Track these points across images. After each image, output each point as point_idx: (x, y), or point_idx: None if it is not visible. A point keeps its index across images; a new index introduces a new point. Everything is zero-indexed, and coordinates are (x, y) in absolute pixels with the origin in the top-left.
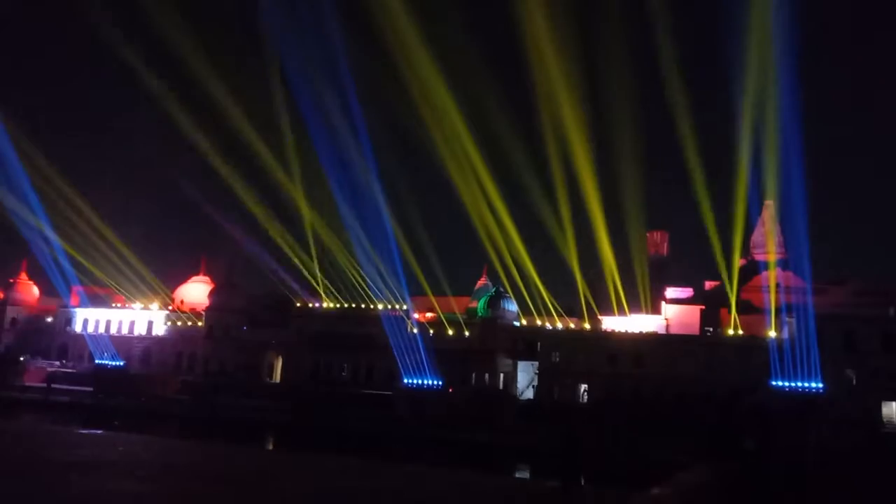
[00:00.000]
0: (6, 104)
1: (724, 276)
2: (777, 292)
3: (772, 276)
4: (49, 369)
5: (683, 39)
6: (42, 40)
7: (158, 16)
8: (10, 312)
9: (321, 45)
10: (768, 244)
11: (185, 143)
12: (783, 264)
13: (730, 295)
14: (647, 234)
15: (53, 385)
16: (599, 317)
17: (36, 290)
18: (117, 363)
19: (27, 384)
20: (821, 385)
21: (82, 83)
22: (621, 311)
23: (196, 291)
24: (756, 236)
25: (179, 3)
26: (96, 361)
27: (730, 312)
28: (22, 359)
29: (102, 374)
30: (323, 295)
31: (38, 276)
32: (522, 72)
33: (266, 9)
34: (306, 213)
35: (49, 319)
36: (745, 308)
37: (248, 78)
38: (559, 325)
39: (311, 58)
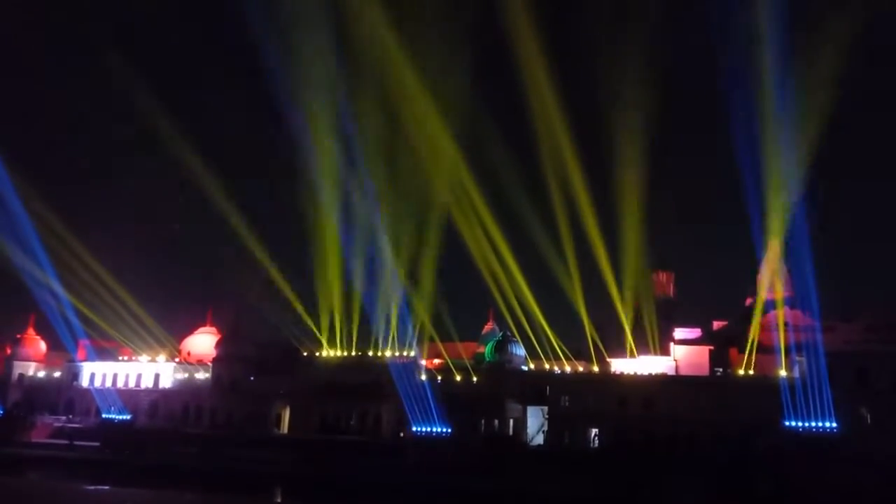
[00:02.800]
0: (14, 158)
1: (732, 315)
2: (786, 331)
3: (780, 314)
4: (56, 425)
5: (684, 80)
6: (49, 91)
7: (162, 63)
8: (18, 368)
9: (328, 97)
10: (775, 283)
11: (191, 194)
12: (791, 303)
13: (740, 334)
14: (653, 275)
15: (58, 441)
16: (608, 359)
17: (43, 345)
18: (124, 417)
19: (35, 440)
20: (835, 424)
21: (88, 138)
22: (630, 353)
23: (203, 342)
24: (762, 275)
25: (180, 48)
26: (103, 416)
27: (739, 352)
28: (18, 412)
29: (109, 429)
30: (330, 343)
31: (45, 330)
32: (524, 114)
33: (272, 62)
34: (312, 260)
35: (56, 374)
36: (755, 347)
37: (253, 127)
38: (568, 369)
39: (316, 105)
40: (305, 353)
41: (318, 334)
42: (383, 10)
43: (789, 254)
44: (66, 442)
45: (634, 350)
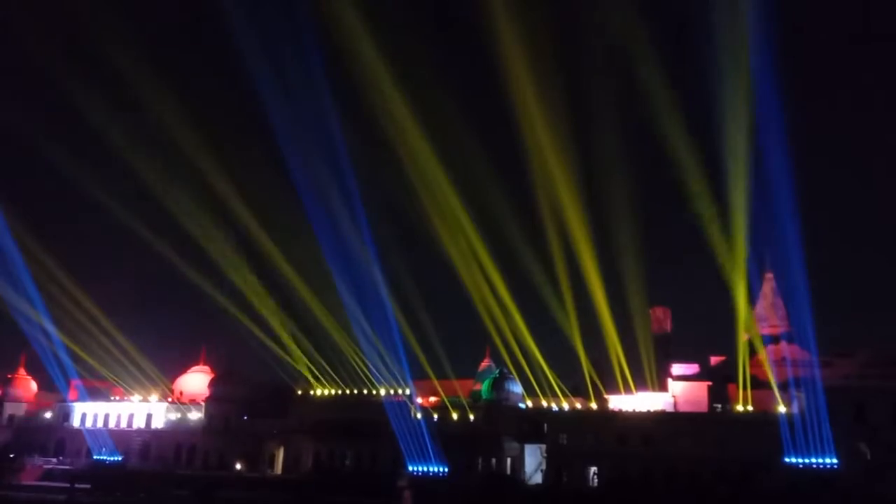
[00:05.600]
0: (6, 197)
1: (730, 350)
2: (784, 366)
3: (777, 349)
4: (46, 467)
5: (678, 112)
6: (39, 131)
7: (153, 99)
8: (8, 409)
9: (319, 129)
10: (771, 318)
11: (182, 232)
12: (788, 337)
13: (737, 370)
14: (650, 311)
15: (52, 483)
16: (606, 395)
17: (34, 385)
18: (115, 458)
19: (25, 483)
20: (835, 460)
21: (80, 174)
22: (627, 390)
23: (196, 382)
24: (759, 310)
25: (174, 84)
26: (94, 457)
27: (738, 388)
28: (8, 454)
29: (100, 471)
30: (324, 381)
31: (36, 370)
32: (519, 151)
33: (265, 95)
34: (306, 298)
35: (47, 415)
36: (753, 383)
37: (245, 164)
38: (565, 406)
39: (309, 143)
40: (299, 392)
41: (312, 373)
42: (384, 65)
43: (785, 288)
44: (64, 485)
45: (633, 386)
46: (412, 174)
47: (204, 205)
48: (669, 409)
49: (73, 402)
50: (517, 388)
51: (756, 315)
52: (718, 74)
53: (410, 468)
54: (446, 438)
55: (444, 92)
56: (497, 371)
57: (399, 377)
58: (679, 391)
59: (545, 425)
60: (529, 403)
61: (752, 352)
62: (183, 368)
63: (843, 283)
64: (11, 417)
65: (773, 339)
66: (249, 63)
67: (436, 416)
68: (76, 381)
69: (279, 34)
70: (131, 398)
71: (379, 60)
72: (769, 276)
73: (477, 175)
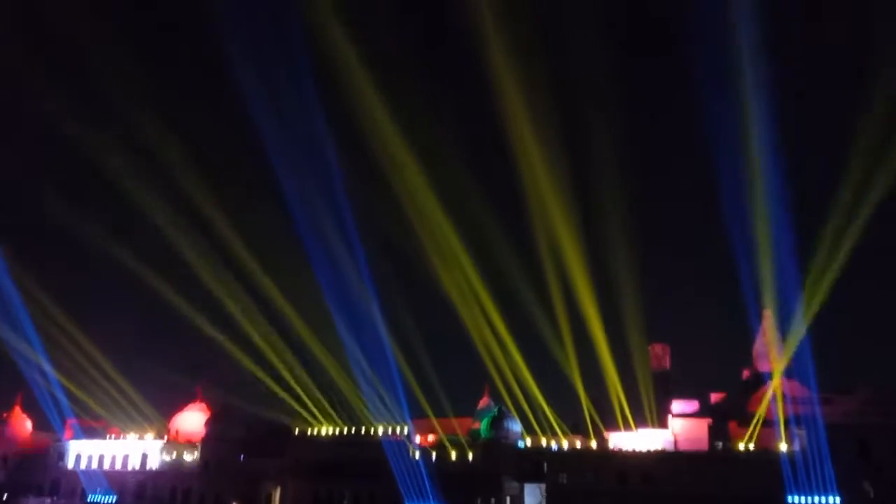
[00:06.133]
0: (8, 240)
1: (730, 387)
2: (784, 403)
3: (777, 385)
4: None
5: (675, 148)
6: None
7: (154, 138)
8: (3, 447)
9: (318, 168)
10: (770, 354)
11: (182, 269)
12: (787, 374)
13: (738, 407)
14: (649, 348)
15: None
16: (605, 434)
17: (29, 424)
18: (110, 499)
19: None
20: (838, 499)
21: (80, 212)
22: (627, 427)
23: (192, 420)
24: (758, 346)
25: (171, 118)
26: (89, 497)
27: (738, 425)
28: (7, 496)
29: None
30: (322, 420)
31: (32, 409)
32: (517, 188)
33: (262, 130)
34: (305, 336)
35: (42, 454)
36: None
37: (246, 202)
38: (565, 444)
39: (307, 179)
40: (297, 431)
41: (310, 411)
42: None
43: (784, 324)
44: None
45: (633, 423)
46: (410, 212)
47: (201, 241)
48: (669, 446)
49: (68, 440)
50: (516, 426)
51: (755, 352)
52: (717, 97)
53: None
54: (445, 478)
55: (442, 129)
56: (496, 409)
57: (397, 415)
58: (679, 428)
59: (545, 464)
60: (529, 442)
61: (752, 388)
62: (180, 405)
63: (842, 319)
64: (6, 456)
65: (771, 376)
66: (246, 100)
67: (434, 454)
68: (72, 420)
69: (276, 73)
70: (127, 437)
71: (376, 96)
72: (767, 312)
73: (475, 212)
